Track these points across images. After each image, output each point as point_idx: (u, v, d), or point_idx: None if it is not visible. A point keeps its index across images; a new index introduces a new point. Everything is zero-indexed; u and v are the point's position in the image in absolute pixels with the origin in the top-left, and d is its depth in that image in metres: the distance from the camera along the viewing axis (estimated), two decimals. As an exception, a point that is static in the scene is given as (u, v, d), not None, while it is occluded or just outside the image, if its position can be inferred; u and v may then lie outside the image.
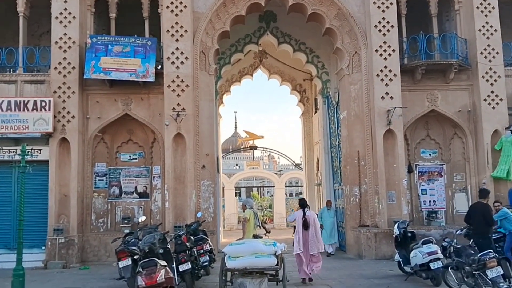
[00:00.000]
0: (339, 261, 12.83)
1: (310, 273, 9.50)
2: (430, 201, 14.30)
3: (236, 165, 61.16)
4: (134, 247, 8.20)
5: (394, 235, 9.91)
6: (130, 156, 14.30)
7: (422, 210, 14.24)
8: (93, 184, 13.91)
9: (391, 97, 13.38)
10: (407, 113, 13.70)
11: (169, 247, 8.62)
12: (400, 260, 9.69)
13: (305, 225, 9.48)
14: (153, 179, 14.06)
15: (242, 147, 36.73)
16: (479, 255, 7.05)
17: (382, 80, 13.46)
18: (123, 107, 13.83)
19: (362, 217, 13.62)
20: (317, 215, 10.83)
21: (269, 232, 9.32)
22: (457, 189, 14.38)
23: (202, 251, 10.23)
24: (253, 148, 30.76)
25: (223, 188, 31.22)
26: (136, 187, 14.18)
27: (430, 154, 14.57)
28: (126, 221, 13.62)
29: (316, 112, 20.87)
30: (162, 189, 13.37)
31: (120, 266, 8.11)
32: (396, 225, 9.97)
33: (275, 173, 36.56)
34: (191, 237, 10.22)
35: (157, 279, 6.39)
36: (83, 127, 13.62)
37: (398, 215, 13.00)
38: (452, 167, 14.42)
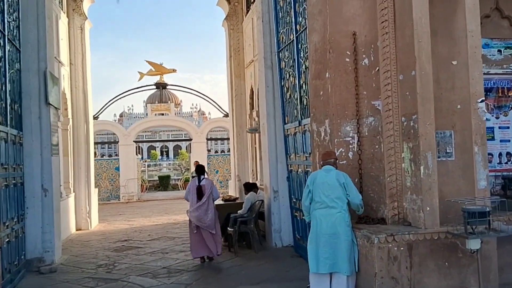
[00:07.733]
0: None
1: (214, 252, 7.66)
2: (501, 154, 6.43)
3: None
4: None
5: None
6: None
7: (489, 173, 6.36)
8: None
9: None
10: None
11: None
12: None
13: (199, 194, 7.77)
14: None
15: (144, 85, 26.22)
16: None
17: None
18: None
19: (367, 197, 5.45)
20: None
21: None
22: (555, 127, 6.61)
23: None
24: (161, 86, 21.45)
25: (118, 143, 22.12)
26: None
27: (500, 51, 6.57)
28: None
29: (248, 11, 12.42)
30: None
31: None
32: None
33: (196, 124, 27.78)
34: None
35: None
36: None
37: (467, 191, 4.95)
38: (546, 78, 6.59)
